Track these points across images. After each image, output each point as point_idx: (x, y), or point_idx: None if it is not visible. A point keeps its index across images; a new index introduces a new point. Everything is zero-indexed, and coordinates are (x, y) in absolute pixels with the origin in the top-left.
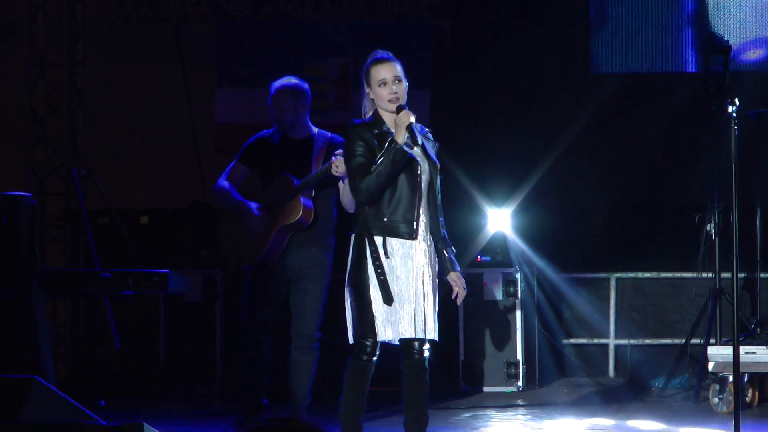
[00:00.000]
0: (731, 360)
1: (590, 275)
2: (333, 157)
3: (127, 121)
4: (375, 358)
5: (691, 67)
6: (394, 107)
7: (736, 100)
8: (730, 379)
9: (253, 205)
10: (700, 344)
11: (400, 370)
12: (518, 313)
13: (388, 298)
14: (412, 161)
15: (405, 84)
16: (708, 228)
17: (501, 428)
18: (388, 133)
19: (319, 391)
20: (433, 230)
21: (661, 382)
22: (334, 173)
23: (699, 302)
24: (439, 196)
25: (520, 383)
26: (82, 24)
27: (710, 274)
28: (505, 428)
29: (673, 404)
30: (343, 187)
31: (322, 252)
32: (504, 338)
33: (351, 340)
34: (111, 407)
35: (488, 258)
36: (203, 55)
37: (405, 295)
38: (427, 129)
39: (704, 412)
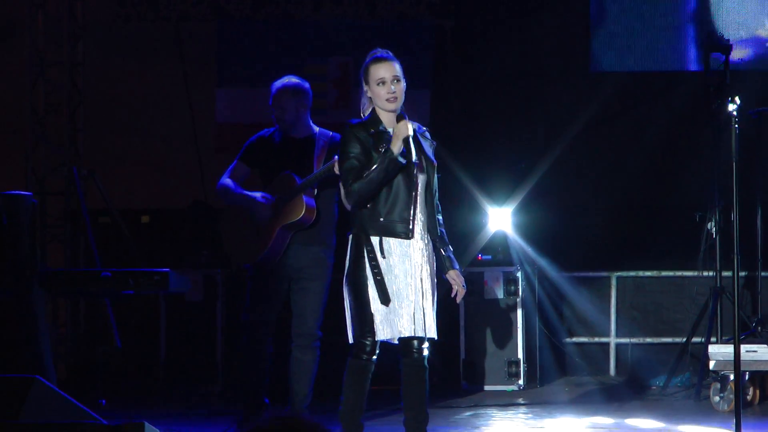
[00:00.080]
0: (732, 358)
1: (591, 274)
2: (335, 156)
3: (128, 121)
4: (375, 357)
5: (691, 66)
6: (391, 107)
7: (737, 99)
8: (731, 377)
9: (257, 194)
10: (701, 343)
11: (399, 369)
12: (519, 312)
13: (385, 298)
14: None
15: (403, 84)
16: (709, 227)
17: (502, 427)
18: (385, 132)
19: (320, 391)
20: (431, 229)
21: (662, 380)
22: (336, 173)
23: (700, 301)
24: (437, 194)
25: (521, 382)
26: (82, 24)
27: (711, 273)
28: (506, 427)
29: (674, 403)
30: None
31: (324, 251)
32: (505, 337)
33: (350, 340)
34: (112, 407)
35: (489, 257)
36: (203, 55)
37: (403, 294)
38: (425, 128)
39: (705, 411)
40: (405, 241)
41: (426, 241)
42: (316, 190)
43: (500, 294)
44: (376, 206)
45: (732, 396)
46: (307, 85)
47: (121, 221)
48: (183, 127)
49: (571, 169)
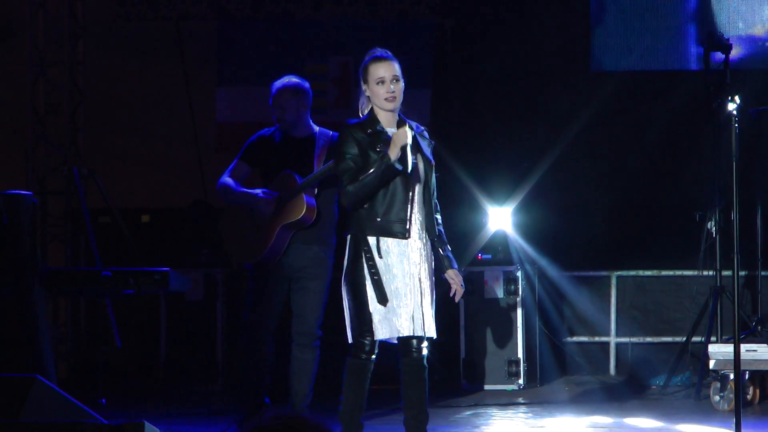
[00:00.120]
0: (732, 358)
1: (591, 273)
2: None
3: (128, 120)
4: (374, 357)
5: (691, 66)
6: (390, 106)
7: (737, 98)
8: (731, 376)
9: (258, 190)
10: (701, 342)
11: (399, 368)
12: (519, 312)
13: (382, 298)
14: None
15: (402, 84)
16: (709, 226)
17: (502, 426)
18: (382, 132)
19: (321, 390)
20: (429, 228)
21: (662, 380)
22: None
23: (700, 300)
24: (435, 193)
25: (521, 381)
26: (83, 23)
27: (711, 272)
28: (506, 426)
29: (674, 402)
30: None
31: (324, 250)
32: (505, 336)
33: (349, 340)
34: (112, 406)
35: (489, 256)
36: (204, 54)
37: (402, 294)
38: (423, 127)
39: (705, 410)
40: (403, 240)
41: (424, 241)
42: (316, 190)
43: (500, 293)
44: (373, 206)
45: (732, 395)
46: (307, 84)
47: (122, 221)
48: (183, 127)
49: (572, 168)
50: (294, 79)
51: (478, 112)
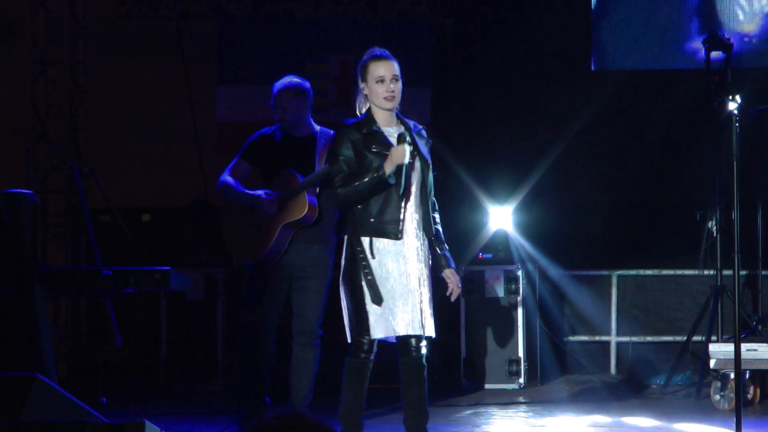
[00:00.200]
0: (733, 357)
1: (592, 272)
2: None
3: (128, 119)
4: (373, 356)
5: (692, 65)
6: (389, 105)
7: (738, 97)
8: (732, 376)
9: (260, 191)
10: (701, 341)
11: (398, 367)
12: (520, 311)
13: (376, 298)
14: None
15: (401, 84)
16: (709, 225)
17: (502, 425)
18: (379, 132)
19: (321, 389)
20: (426, 228)
21: (663, 379)
22: None
23: (700, 299)
24: (432, 193)
25: (521, 380)
26: (83, 22)
27: (712, 272)
28: (507, 425)
29: (675, 401)
30: None
31: (325, 249)
32: (505, 335)
33: (348, 339)
34: (112, 405)
35: (490, 255)
36: (204, 54)
37: (398, 293)
38: (421, 126)
39: (706, 410)
40: (398, 240)
41: (422, 240)
42: (318, 189)
43: (501, 292)
44: (367, 207)
45: (732, 395)
46: (308, 84)
47: (122, 220)
48: (184, 126)
49: (572, 167)
50: (295, 80)
51: (479, 112)
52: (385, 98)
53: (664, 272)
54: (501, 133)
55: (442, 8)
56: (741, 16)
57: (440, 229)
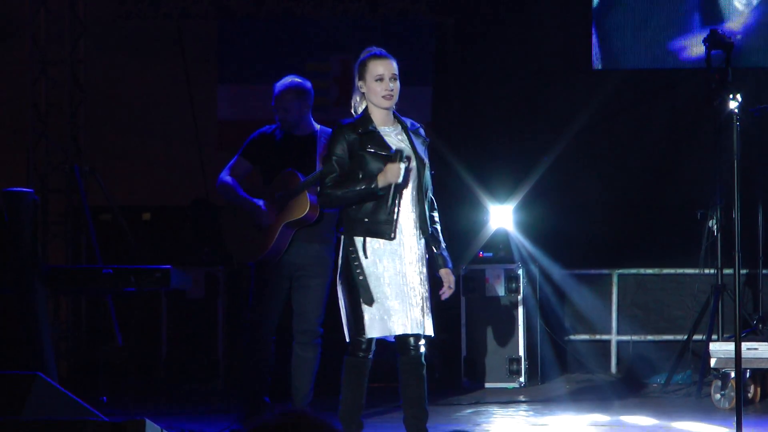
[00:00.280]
0: (733, 356)
1: (592, 271)
2: None
3: (129, 118)
4: (371, 355)
5: (693, 64)
6: (387, 104)
7: (739, 97)
8: (732, 375)
9: (261, 202)
10: (702, 340)
11: (397, 366)
12: (520, 310)
13: (368, 298)
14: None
15: (398, 83)
16: (710, 224)
17: (503, 424)
18: (375, 132)
19: (321, 388)
20: (423, 227)
21: (663, 378)
22: None
23: (701, 298)
24: (430, 191)
25: (521, 379)
26: (84, 21)
27: (712, 271)
28: (507, 424)
29: (675, 400)
30: None
31: (325, 248)
32: (506, 334)
33: (347, 338)
34: (113, 404)
35: (490, 254)
36: (205, 53)
37: (393, 293)
38: (419, 124)
39: (706, 409)
40: (394, 240)
41: (418, 240)
42: (318, 188)
43: (501, 291)
44: (361, 207)
45: (733, 394)
46: (309, 84)
47: (123, 219)
48: (184, 125)
49: (573, 166)
50: (296, 80)
51: (479, 111)
52: (383, 97)
53: (665, 271)
54: (501, 132)
55: (443, 7)
56: (739, 7)
57: (439, 228)
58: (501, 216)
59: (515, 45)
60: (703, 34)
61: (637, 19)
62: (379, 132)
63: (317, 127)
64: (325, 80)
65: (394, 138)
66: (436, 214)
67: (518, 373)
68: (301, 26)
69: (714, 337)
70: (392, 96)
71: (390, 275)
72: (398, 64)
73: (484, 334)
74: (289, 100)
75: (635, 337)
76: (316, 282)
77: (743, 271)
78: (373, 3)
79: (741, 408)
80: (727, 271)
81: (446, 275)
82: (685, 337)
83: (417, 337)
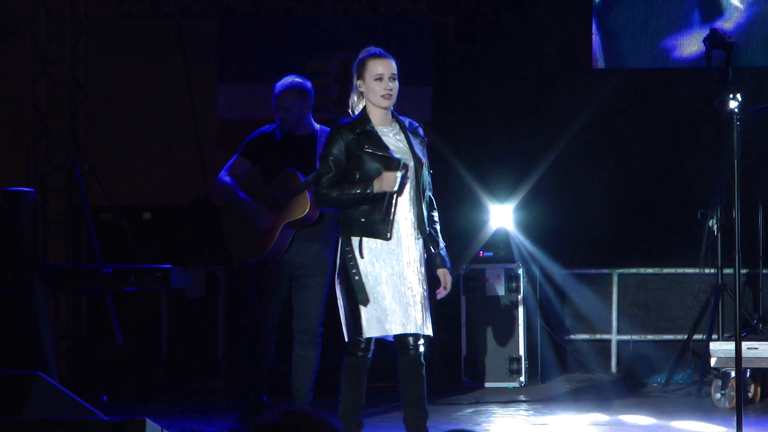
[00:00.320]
0: (733, 356)
1: (592, 271)
2: None
3: (129, 118)
4: (370, 354)
5: (693, 63)
6: (386, 103)
7: (739, 96)
8: (733, 374)
9: (261, 206)
10: (702, 340)
11: (397, 366)
12: (520, 309)
13: (363, 298)
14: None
15: (397, 83)
16: (710, 224)
17: (503, 424)
18: (373, 132)
19: (321, 388)
20: (421, 227)
21: (664, 377)
22: None
23: (701, 298)
24: (428, 191)
25: (522, 379)
26: (84, 21)
27: (712, 270)
28: (507, 424)
29: (675, 400)
30: None
31: (325, 248)
32: (506, 334)
33: (346, 338)
34: (113, 403)
35: (490, 254)
36: (205, 52)
37: (391, 293)
38: (417, 123)
39: (706, 408)
40: (391, 240)
41: (416, 239)
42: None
43: (501, 291)
44: (357, 207)
45: (733, 393)
46: (309, 84)
47: (123, 218)
48: (185, 124)
49: (573, 166)
50: (297, 80)
51: (480, 110)
52: (382, 96)
53: (665, 270)
54: (501, 132)
55: (443, 7)
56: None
57: (438, 227)
58: (501, 215)
59: (515, 45)
60: (703, 32)
61: (637, 19)
62: (376, 132)
63: (317, 126)
64: (325, 80)
65: (392, 138)
66: (435, 214)
67: (518, 372)
68: (302, 26)
69: (714, 336)
70: (391, 96)
71: (387, 275)
72: (398, 63)
73: (484, 333)
74: (289, 100)
75: (635, 337)
76: (316, 282)
77: (743, 271)
78: (374, 2)
79: (741, 407)
80: (727, 270)
81: (443, 275)
82: (686, 336)
83: (416, 336)
